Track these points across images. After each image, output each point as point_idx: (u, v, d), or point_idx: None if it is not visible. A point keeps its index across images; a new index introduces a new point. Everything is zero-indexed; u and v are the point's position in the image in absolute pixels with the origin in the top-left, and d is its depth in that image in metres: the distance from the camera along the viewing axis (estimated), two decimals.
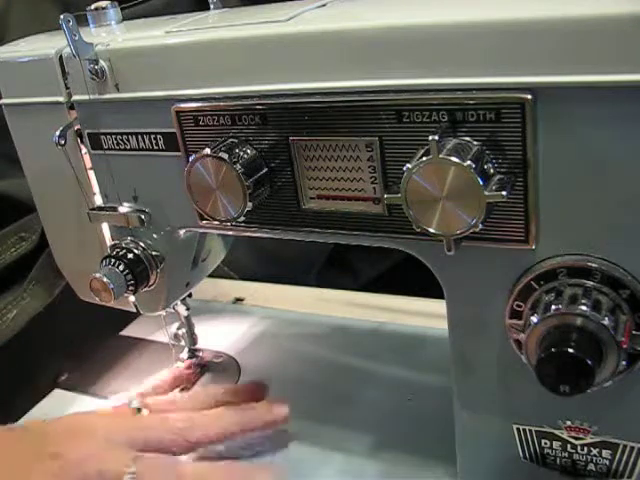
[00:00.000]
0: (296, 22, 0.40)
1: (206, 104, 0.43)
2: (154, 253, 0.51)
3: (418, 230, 0.36)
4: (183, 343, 0.65)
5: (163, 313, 0.58)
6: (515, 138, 0.34)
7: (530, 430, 0.42)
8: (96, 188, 0.52)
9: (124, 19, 0.54)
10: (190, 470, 0.49)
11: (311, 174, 0.42)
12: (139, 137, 0.47)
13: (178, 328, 0.64)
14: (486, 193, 0.33)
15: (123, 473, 0.45)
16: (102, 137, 0.48)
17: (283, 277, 0.80)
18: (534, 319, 0.36)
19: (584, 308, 0.34)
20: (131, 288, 0.50)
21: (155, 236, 0.51)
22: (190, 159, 0.42)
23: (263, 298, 0.78)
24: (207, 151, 0.41)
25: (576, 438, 0.41)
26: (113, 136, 0.48)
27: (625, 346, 0.34)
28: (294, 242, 0.47)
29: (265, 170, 0.42)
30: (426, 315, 0.68)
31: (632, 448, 0.39)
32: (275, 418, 0.54)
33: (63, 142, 0.49)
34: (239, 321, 0.74)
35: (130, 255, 0.51)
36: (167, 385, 0.61)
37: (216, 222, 0.44)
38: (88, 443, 0.47)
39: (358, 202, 0.41)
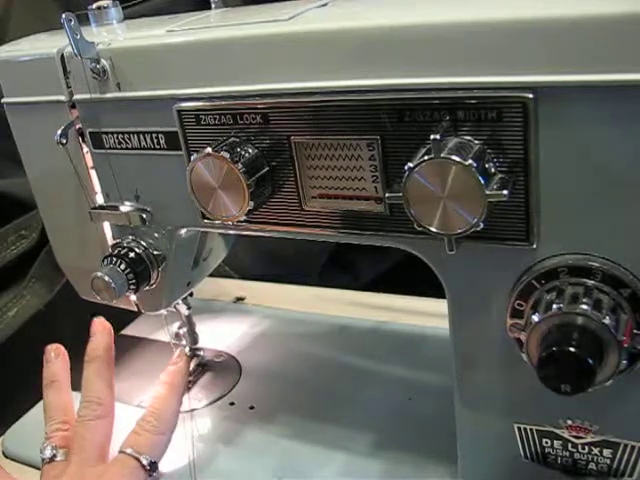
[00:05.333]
0: (297, 21, 0.41)
1: (207, 103, 0.43)
2: (155, 252, 0.51)
3: (419, 229, 0.36)
4: (184, 342, 0.65)
5: (164, 312, 0.58)
6: (516, 137, 0.34)
7: (531, 429, 0.42)
8: (97, 187, 0.52)
9: (125, 18, 0.54)
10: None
11: (312, 173, 0.42)
12: (141, 136, 0.47)
13: (179, 327, 0.64)
14: (487, 192, 0.33)
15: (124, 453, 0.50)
16: (104, 136, 0.48)
17: (284, 277, 0.81)
18: (535, 318, 0.36)
19: (585, 307, 0.34)
20: (132, 287, 0.50)
21: (156, 235, 0.51)
22: (192, 158, 0.42)
23: (264, 297, 0.78)
24: (209, 150, 0.41)
25: (577, 437, 0.41)
26: (115, 135, 0.48)
27: (626, 345, 0.34)
28: (295, 241, 0.47)
29: (266, 169, 0.42)
30: (426, 315, 0.68)
31: (633, 447, 0.39)
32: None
33: (65, 141, 0.49)
34: (240, 320, 0.74)
35: (131, 254, 0.51)
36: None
37: (217, 221, 0.44)
38: None
39: (359, 201, 0.41)
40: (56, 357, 0.58)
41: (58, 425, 0.54)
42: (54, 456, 0.52)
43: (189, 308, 0.63)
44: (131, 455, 0.51)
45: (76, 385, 0.66)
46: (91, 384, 0.55)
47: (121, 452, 0.51)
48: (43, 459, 0.52)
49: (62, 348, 0.59)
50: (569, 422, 0.40)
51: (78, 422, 0.53)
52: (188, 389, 0.62)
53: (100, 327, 0.59)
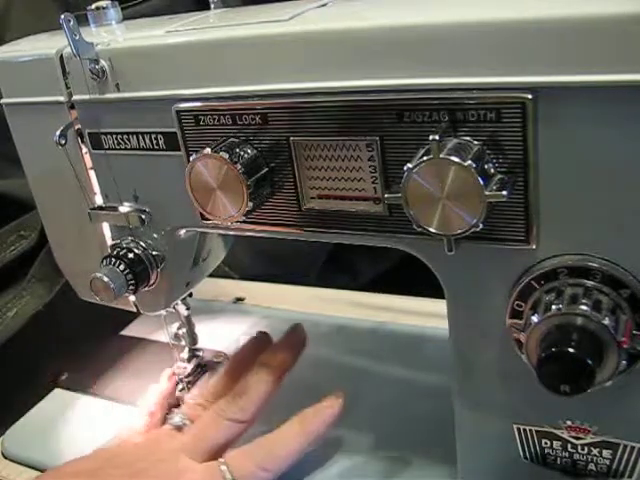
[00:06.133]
0: (297, 22, 0.40)
1: (207, 104, 0.43)
2: (154, 253, 0.51)
3: (419, 230, 0.36)
4: (183, 343, 0.65)
5: (163, 313, 0.58)
6: (516, 138, 0.34)
7: (530, 430, 0.42)
8: (96, 188, 0.52)
9: (124, 19, 0.54)
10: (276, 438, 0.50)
11: (311, 174, 0.42)
12: (140, 137, 0.47)
13: (178, 328, 0.64)
14: (486, 193, 0.33)
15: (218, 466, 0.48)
16: (102, 137, 0.48)
17: (283, 277, 0.81)
18: (535, 319, 0.36)
19: (584, 308, 0.34)
20: (131, 288, 0.50)
21: (155, 236, 0.51)
22: (191, 159, 0.42)
23: (263, 298, 0.78)
24: (207, 151, 0.41)
25: (576, 438, 0.41)
26: (114, 136, 0.48)
27: (625, 346, 0.34)
28: (294, 241, 0.47)
29: (265, 170, 0.42)
30: (426, 315, 0.68)
31: (632, 448, 0.39)
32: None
33: (64, 142, 0.49)
34: (239, 321, 0.74)
35: (130, 255, 0.51)
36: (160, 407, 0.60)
37: (216, 222, 0.44)
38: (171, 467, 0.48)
39: (359, 202, 0.41)
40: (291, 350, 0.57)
41: (205, 401, 0.54)
42: (179, 427, 0.52)
43: (188, 308, 0.63)
44: (224, 473, 0.48)
45: (76, 385, 0.67)
46: (248, 387, 0.53)
47: (219, 462, 0.49)
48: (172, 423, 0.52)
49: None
50: (569, 423, 0.40)
51: (214, 412, 0.52)
52: (187, 389, 0.62)
53: (296, 341, 0.57)
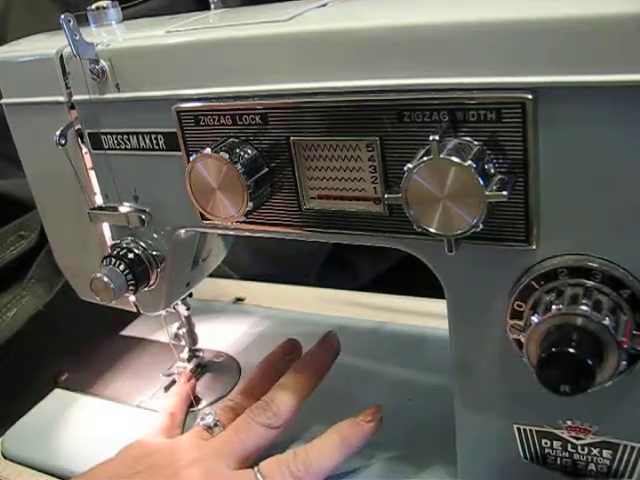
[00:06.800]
0: (297, 22, 0.40)
1: (207, 104, 0.43)
2: (154, 253, 0.51)
3: (419, 230, 0.36)
4: (183, 343, 0.65)
5: (163, 313, 0.58)
6: (516, 138, 0.34)
7: (530, 430, 0.42)
8: (96, 188, 0.52)
9: (124, 19, 0.54)
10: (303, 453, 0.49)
11: (312, 174, 0.42)
12: (140, 137, 0.47)
13: (178, 328, 0.64)
14: (487, 193, 0.33)
15: (254, 475, 0.47)
16: (102, 137, 0.48)
17: (283, 277, 0.81)
18: (535, 319, 0.36)
19: (585, 308, 0.34)
20: (131, 288, 0.50)
21: (155, 236, 0.51)
22: (191, 159, 0.42)
23: (263, 298, 0.78)
24: (208, 151, 0.41)
25: (577, 438, 0.41)
26: (114, 136, 0.48)
27: (626, 346, 0.34)
28: (294, 242, 0.47)
29: (265, 170, 0.42)
30: (426, 315, 0.68)
31: (633, 448, 0.39)
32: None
33: (64, 142, 0.49)
34: (239, 321, 0.74)
35: (130, 255, 0.51)
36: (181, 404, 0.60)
37: (216, 222, 0.44)
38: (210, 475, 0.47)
39: (359, 202, 0.41)
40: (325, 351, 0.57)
41: (235, 403, 0.53)
42: (209, 427, 0.52)
43: (188, 309, 0.63)
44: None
45: (76, 385, 0.67)
46: (282, 390, 0.53)
47: (255, 470, 0.48)
48: (204, 424, 0.52)
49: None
50: (569, 423, 0.40)
51: (247, 417, 0.51)
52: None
53: (330, 348, 0.57)
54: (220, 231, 0.49)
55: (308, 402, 0.53)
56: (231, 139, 0.42)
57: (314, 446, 0.50)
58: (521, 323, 0.38)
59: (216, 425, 0.52)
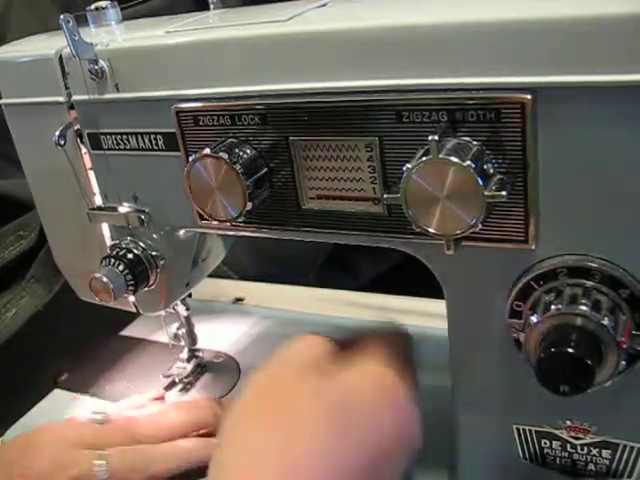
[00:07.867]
0: (296, 22, 0.40)
1: (206, 104, 0.43)
2: (154, 253, 0.51)
3: (418, 230, 0.36)
4: (183, 343, 0.65)
5: (163, 313, 0.58)
6: (515, 138, 0.34)
7: (530, 430, 0.42)
8: (96, 188, 0.52)
9: (124, 19, 0.54)
10: (160, 450, 0.50)
11: (311, 174, 0.42)
12: (139, 137, 0.47)
13: (178, 328, 0.64)
14: (486, 193, 0.33)
15: (92, 468, 0.47)
16: (102, 137, 0.48)
17: (283, 277, 0.81)
18: (534, 319, 0.36)
19: (584, 308, 0.34)
20: (131, 288, 0.50)
21: (155, 236, 0.51)
22: (190, 159, 0.42)
23: (263, 298, 0.78)
24: (207, 151, 0.41)
25: (576, 438, 0.41)
26: (113, 136, 0.48)
27: (625, 346, 0.34)
28: (294, 242, 0.47)
29: (265, 170, 0.42)
30: (426, 315, 0.68)
31: (632, 448, 0.39)
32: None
33: (63, 142, 0.49)
34: (239, 321, 0.74)
35: (130, 255, 0.51)
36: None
37: (216, 222, 0.44)
38: (51, 454, 0.48)
39: (358, 202, 0.41)
40: None
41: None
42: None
43: (188, 309, 0.63)
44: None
45: (76, 385, 0.67)
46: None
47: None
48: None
49: None
50: (568, 423, 0.40)
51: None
52: (187, 390, 0.62)
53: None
54: (219, 231, 0.49)
55: None
56: (230, 139, 0.42)
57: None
58: (520, 323, 0.38)
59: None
